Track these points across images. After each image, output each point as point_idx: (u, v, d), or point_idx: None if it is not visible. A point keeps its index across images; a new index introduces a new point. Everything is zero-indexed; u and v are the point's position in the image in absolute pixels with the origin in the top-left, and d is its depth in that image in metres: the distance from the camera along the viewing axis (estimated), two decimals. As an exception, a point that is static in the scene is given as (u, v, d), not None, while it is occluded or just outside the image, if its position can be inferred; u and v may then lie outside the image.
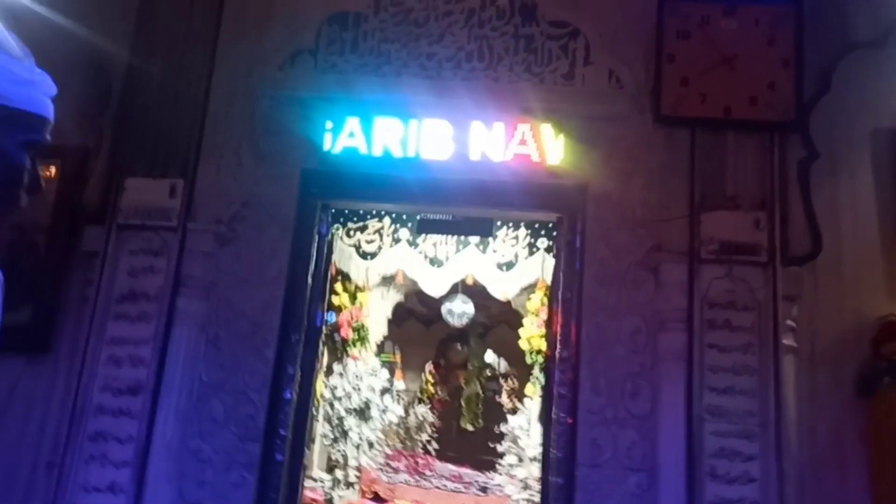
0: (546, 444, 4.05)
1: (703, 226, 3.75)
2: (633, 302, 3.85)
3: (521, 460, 6.61)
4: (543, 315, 6.45)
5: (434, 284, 6.62)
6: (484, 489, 7.67)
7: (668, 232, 3.82)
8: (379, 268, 6.62)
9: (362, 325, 6.92)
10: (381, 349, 10.82)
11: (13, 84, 0.97)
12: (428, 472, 7.97)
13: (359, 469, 6.53)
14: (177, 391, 3.76)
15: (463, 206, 4.51)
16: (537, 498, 6.23)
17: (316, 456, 8.12)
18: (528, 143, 4.04)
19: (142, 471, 3.63)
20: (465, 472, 8.18)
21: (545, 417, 4.15)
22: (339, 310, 6.81)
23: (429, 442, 10.63)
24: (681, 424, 3.56)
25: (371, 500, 7.14)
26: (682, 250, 3.75)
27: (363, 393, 6.62)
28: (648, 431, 3.70)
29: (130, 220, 3.87)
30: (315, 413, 7.32)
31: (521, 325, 6.85)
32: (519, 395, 10.23)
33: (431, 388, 11.59)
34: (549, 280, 5.80)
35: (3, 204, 0.96)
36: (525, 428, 6.66)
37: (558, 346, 4.01)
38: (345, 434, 6.56)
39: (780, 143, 3.83)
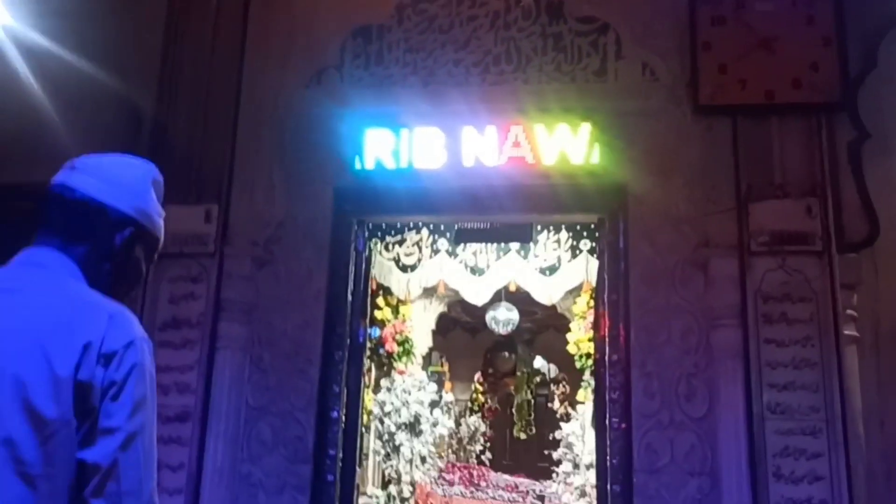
0: (600, 450, 3.95)
1: (751, 217, 3.62)
2: (683, 301, 3.74)
3: (576, 467, 6.49)
4: (590, 318, 6.34)
5: (476, 293, 6.56)
6: (541, 498, 7.57)
7: (714, 226, 3.70)
8: (420, 280, 6.58)
9: (407, 339, 6.89)
10: (427, 361, 10.82)
11: (160, 220, 1.48)
12: (483, 484, 7.91)
13: (412, 484, 6.49)
14: (224, 416, 3.76)
15: (500, 214, 4.45)
16: None
17: (370, 473, 8.12)
18: (564, 143, 3.95)
19: (195, 497, 3.63)
20: (521, 481, 8.10)
21: (598, 423, 4.05)
22: (382, 324, 6.80)
23: (482, 452, 10.57)
24: (741, 424, 3.43)
25: (427, 514, 7.11)
26: (731, 244, 3.63)
27: (412, 407, 6.58)
28: (707, 433, 3.58)
29: (168, 248, 3.86)
30: (365, 430, 7.32)
31: (569, 330, 6.75)
32: (571, 400, 10.11)
33: (481, 398, 11.52)
34: (594, 282, 5.70)
35: (132, 289, 1.48)
36: (579, 434, 6.54)
37: (607, 350, 3.91)
38: (396, 449, 6.52)
39: (828, 125, 3.68)
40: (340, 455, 3.95)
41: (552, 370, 11.87)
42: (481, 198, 4.06)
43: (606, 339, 3.94)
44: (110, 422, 1.20)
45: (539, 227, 6.38)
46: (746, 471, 3.38)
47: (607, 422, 3.83)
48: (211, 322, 3.83)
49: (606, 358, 3.92)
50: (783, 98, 3.72)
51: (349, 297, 4.11)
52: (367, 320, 4.64)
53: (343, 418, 4.01)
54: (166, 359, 3.81)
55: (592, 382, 6.34)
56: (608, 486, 3.76)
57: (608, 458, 3.79)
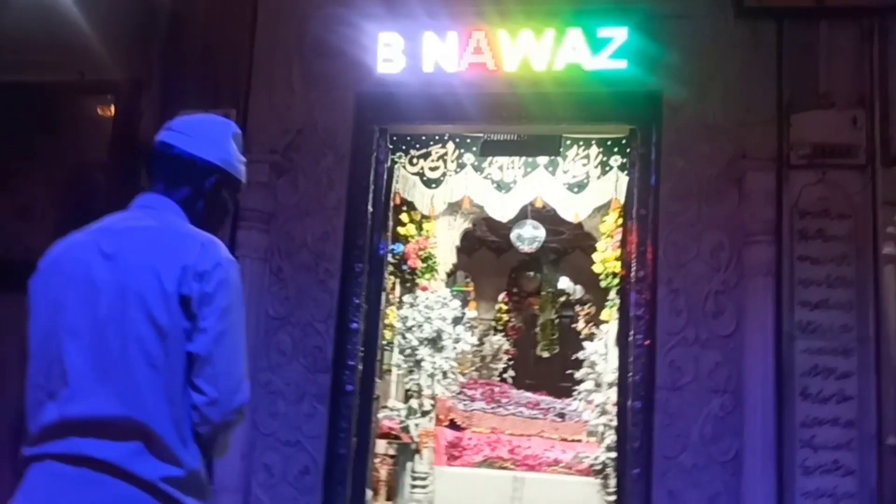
0: (623, 367, 3.93)
1: (792, 129, 3.46)
2: (715, 216, 3.63)
3: (598, 386, 6.52)
4: (618, 237, 6.25)
5: (502, 209, 6.46)
6: (561, 415, 7.67)
7: (753, 138, 3.54)
8: (444, 195, 6.48)
9: (430, 255, 6.86)
10: (452, 279, 10.85)
11: (241, 166, 1.84)
12: (504, 400, 8.02)
13: (433, 398, 6.58)
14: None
15: (528, 124, 4.31)
16: (616, 423, 6.16)
17: (392, 387, 8.26)
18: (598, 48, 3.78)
19: (214, 404, 3.67)
20: (542, 398, 8.20)
21: (621, 340, 4.01)
22: (405, 240, 6.76)
23: (505, 370, 10.70)
24: (769, 343, 3.37)
25: (448, 427, 7.23)
26: (769, 157, 3.48)
27: (434, 323, 6.60)
28: (732, 352, 3.53)
29: (186, 154, 3.83)
30: (388, 346, 7.40)
31: (595, 250, 6.66)
32: (596, 321, 10.13)
33: (505, 317, 11.59)
34: (623, 200, 5.59)
35: (222, 222, 1.83)
36: (602, 353, 6.54)
37: (633, 267, 3.84)
38: (418, 364, 6.59)
39: (881, 30, 3.46)
40: (360, 367, 3.97)
41: (578, 291, 11.87)
42: (506, 105, 3.93)
43: (633, 256, 3.86)
44: (205, 323, 1.55)
45: (568, 142, 6.22)
46: (772, 390, 3.33)
47: (631, 339, 3.79)
48: (230, 230, 3.79)
49: (633, 275, 3.85)
50: (834, 0, 3.50)
51: (370, 209, 4.05)
52: (389, 234, 4.60)
53: (363, 330, 4.02)
54: (185, 266, 3.81)
55: (618, 301, 6.31)
56: (629, 403, 3.75)
57: (630, 374, 3.77)
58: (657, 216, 3.71)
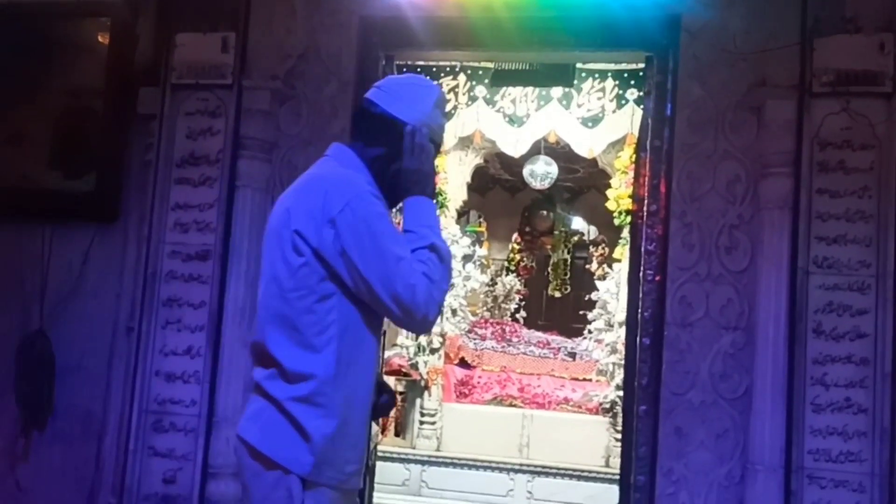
0: (632, 304, 3.88)
1: (816, 54, 3.32)
2: (732, 147, 3.52)
3: (609, 325, 6.50)
4: (632, 174, 6.14)
5: (514, 144, 6.37)
6: (572, 355, 7.68)
7: (774, 64, 3.41)
8: (455, 129, 6.40)
9: (440, 191, 6.78)
10: (465, 220, 10.77)
11: (440, 130, 1.94)
12: (515, 339, 8.03)
13: (443, 335, 6.59)
14: (245, 256, 3.74)
15: (540, 50, 4.18)
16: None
17: (402, 324, 8.27)
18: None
19: (217, 335, 3.68)
20: (553, 338, 8.20)
21: (632, 276, 3.96)
22: (415, 175, 6.67)
23: (517, 311, 10.71)
24: (783, 279, 3.30)
25: (457, 365, 7.27)
26: (790, 84, 3.35)
27: (444, 260, 6.55)
28: (745, 287, 3.47)
29: (184, 79, 3.75)
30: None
31: (610, 188, 6.56)
32: (609, 261, 10.07)
33: (518, 257, 11.55)
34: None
35: (418, 184, 1.82)
36: (614, 292, 6.51)
37: (646, 200, 3.75)
38: (427, 301, 6.56)
39: (913, -51, 3.29)
40: (365, 299, 3.94)
41: (591, 232, 11.79)
42: (520, 31, 3.79)
43: (646, 189, 3.77)
44: (348, 253, 1.68)
45: (583, 74, 6.07)
46: (784, 326, 3.28)
47: (641, 275, 3.73)
48: (230, 159, 3.74)
49: (645, 208, 3.76)
50: (866, -83, 3.32)
51: (375, 139, 3.96)
52: (396, 166, 4.53)
53: (368, 263, 3.97)
54: (185, 196, 3.77)
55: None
56: (638, 340, 3.71)
57: (640, 311, 3.72)
58: (672, 148, 3.62)
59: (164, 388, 3.69)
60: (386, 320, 1.85)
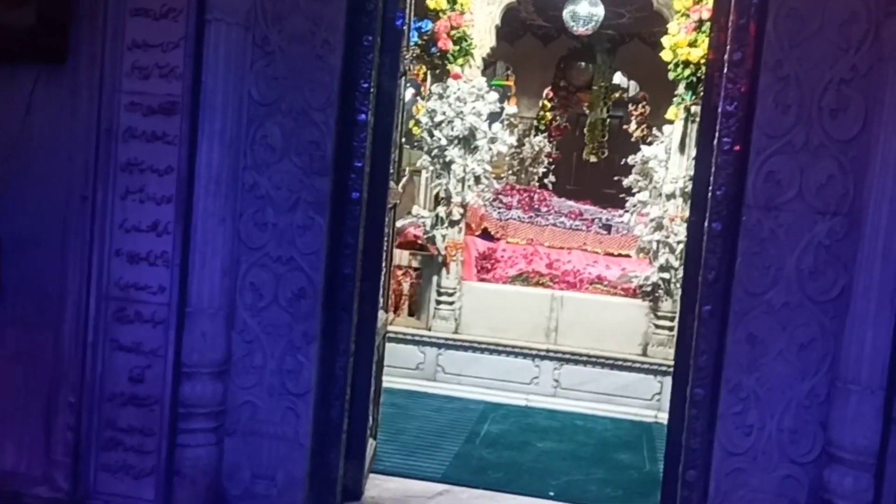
0: (700, 178, 3.24)
1: None
2: (850, -25, 2.76)
3: (657, 196, 5.84)
4: (695, 16, 5.30)
5: (553, -21, 5.48)
6: (607, 227, 7.10)
7: None
8: (484, -41, 5.50)
9: (465, 35, 5.97)
10: (491, 71, 9.90)
11: None
12: (544, 209, 7.45)
13: (464, 206, 5.99)
14: (220, 111, 3.10)
15: None
16: (675, 239, 5.57)
17: (422, 194, 7.68)
18: None
19: (187, 209, 3.11)
20: (587, 208, 7.61)
21: (702, 143, 3.29)
22: (435, 15, 5.86)
23: (545, 175, 10.05)
24: (907, 151, 2.63)
25: (479, 237, 6.74)
26: None
27: (467, 119, 5.84)
28: (853, 162, 2.82)
29: None
30: (416, 145, 6.71)
31: (658, 42, 5.70)
32: (649, 122, 9.28)
33: (549, 115, 10.75)
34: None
35: None
36: (662, 160, 5.80)
37: (728, 46, 3.03)
38: (447, 167, 5.92)
39: None
40: (368, 168, 3.33)
41: (633, 87, 10.91)
42: None
43: (729, 31, 3.03)
44: None
45: None
46: (902, 214, 2.65)
47: (715, 142, 3.07)
48: (199, -14, 3.03)
49: (726, 56, 3.04)
50: None
51: (382, -38, 3.24)
52: (411, 2, 3.78)
53: (373, 122, 3.33)
54: (144, 32, 3.12)
55: (687, 97, 5.48)
56: (706, 223, 3.10)
57: (711, 188, 3.08)
58: (767, -23, 2.86)
59: (127, 271, 3.16)
60: None
